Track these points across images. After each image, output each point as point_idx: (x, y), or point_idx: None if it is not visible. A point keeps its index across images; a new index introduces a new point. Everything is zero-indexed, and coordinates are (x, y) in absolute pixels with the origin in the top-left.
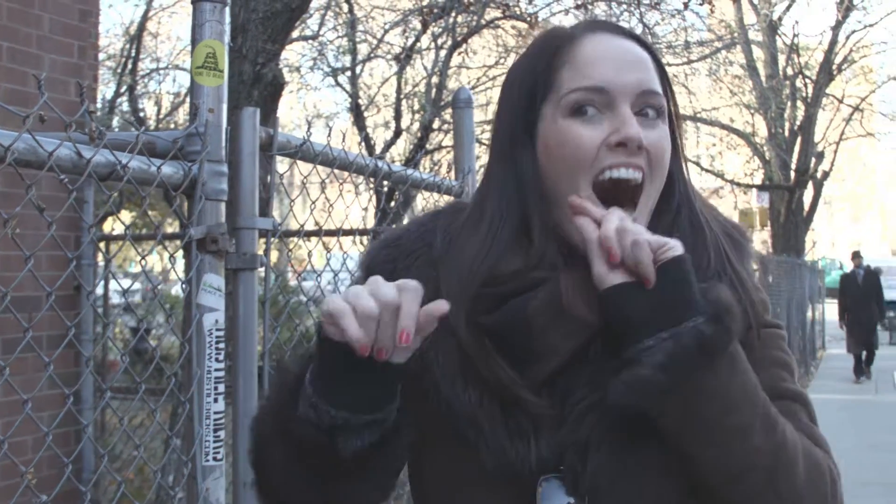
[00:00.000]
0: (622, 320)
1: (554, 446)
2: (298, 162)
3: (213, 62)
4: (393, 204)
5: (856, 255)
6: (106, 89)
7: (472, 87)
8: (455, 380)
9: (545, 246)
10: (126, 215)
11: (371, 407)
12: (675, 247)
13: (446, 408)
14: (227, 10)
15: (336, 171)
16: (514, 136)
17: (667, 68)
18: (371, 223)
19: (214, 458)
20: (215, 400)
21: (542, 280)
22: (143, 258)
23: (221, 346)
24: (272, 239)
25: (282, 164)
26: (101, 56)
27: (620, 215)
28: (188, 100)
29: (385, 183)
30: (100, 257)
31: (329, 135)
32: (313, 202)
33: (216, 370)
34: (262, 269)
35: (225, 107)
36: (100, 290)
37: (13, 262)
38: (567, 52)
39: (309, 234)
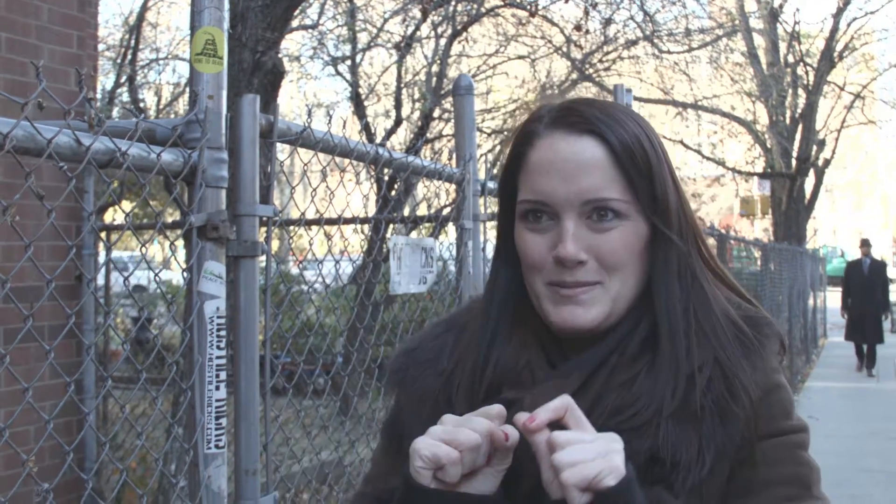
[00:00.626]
0: None
1: None
2: (299, 149)
3: (213, 49)
4: (394, 192)
5: (864, 244)
6: (106, 80)
7: (473, 76)
8: None
9: (529, 350)
10: (127, 205)
11: None
12: (612, 473)
13: None
14: None
15: (337, 159)
16: (503, 232)
17: (646, 157)
18: (372, 211)
19: (216, 446)
20: (217, 388)
21: (512, 401)
22: (143, 245)
23: (223, 333)
24: (273, 226)
25: (282, 152)
26: (101, 46)
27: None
28: (188, 89)
29: (386, 171)
30: (101, 248)
31: (329, 122)
32: (314, 189)
33: (217, 357)
34: (262, 258)
35: (225, 94)
36: (102, 280)
37: (16, 252)
38: (525, 156)
39: (310, 223)
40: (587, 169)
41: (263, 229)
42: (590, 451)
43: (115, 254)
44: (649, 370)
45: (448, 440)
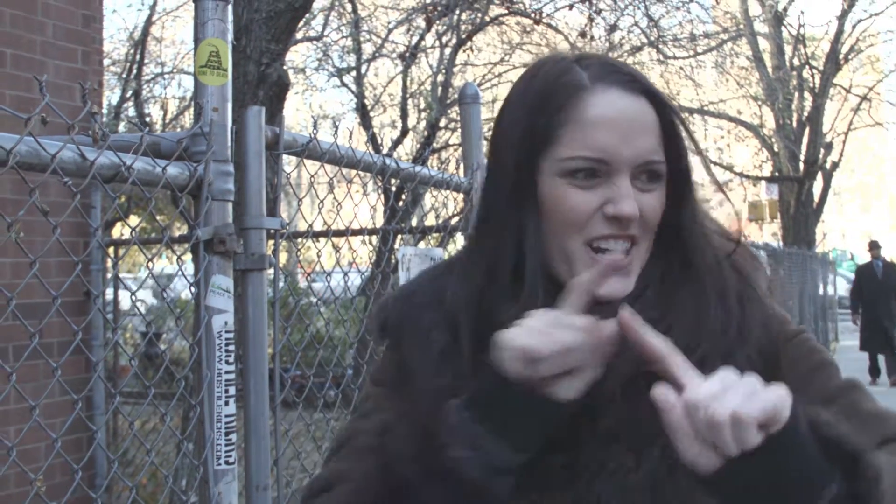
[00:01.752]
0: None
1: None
2: (305, 162)
3: (217, 61)
4: (402, 203)
5: (873, 246)
6: (111, 95)
7: (478, 84)
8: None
9: (537, 293)
10: (135, 221)
11: (530, 446)
12: (782, 410)
13: None
14: (230, 7)
15: (344, 171)
16: (518, 182)
17: (681, 118)
18: (380, 222)
19: (226, 462)
20: (226, 403)
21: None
22: (150, 260)
23: (231, 348)
24: (280, 239)
25: (288, 165)
26: (106, 62)
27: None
28: (193, 102)
29: (394, 181)
30: (109, 263)
31: (336, 133)
32: (321, 201)
33: (226, 372)
34: (270, 271)
35: (230, 106)
36: (110, 296)
37: (25, 269)
38: (573, 108)
39: (317, 235)
40: (647, 130)
41: (271, 242)
42: (744, 387)
43: (123, 275)
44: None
45: (544, 333)
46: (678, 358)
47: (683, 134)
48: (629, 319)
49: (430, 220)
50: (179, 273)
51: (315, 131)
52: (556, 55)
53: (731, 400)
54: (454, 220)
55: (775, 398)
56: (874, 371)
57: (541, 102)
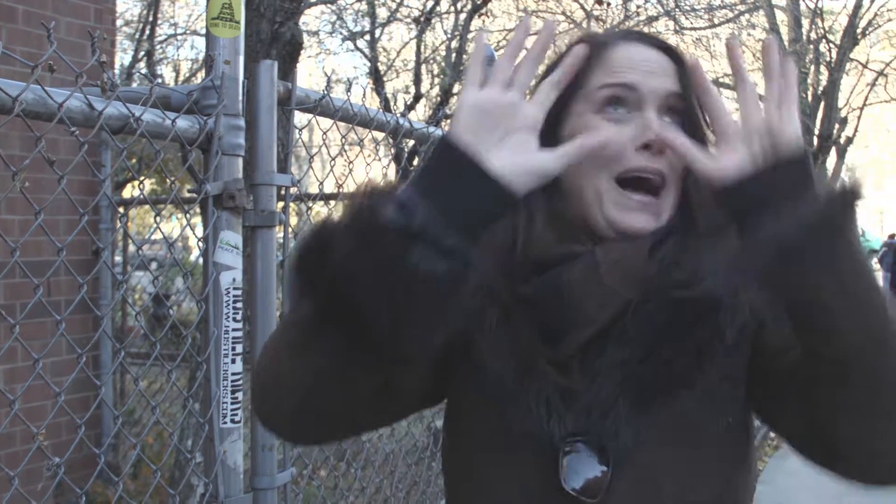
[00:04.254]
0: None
1: (580, 414)
2: (318, 121)
3: (230, 13)
4: (413, 167)
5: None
6: (124, 56)
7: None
8: (491, 345)
9: (574, 231)
10: (147, 182)
11: (466, 228)
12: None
13: (481, 371)
14: None
15: (356, 133)
16: (549, 127)
17: (696, 61)
18: None
19: (232, 421)
20: (233, 361)
21: (578, 253)
22: (157, 214)
23: (239, 305)
24: (290, 196)
25: (300, 124)
26: (119, 22)
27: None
28: (205, 55)
29: (407, 142)
30: (119, 227)
31: (349, 90)
32: (332, 158)
33: (234, 330)
34: (279, 236)
35: (242, 59)
36: (120, 258)
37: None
38: (599, 55)
39: (328, 197)
40: (668, 72)
41: (281, 203)
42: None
43: (134, 236)
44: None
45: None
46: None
47: (701, 87)
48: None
49: None
50: (189, 233)
51: (329, 87)
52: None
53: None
54: None
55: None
56: None
57: (570, 61)
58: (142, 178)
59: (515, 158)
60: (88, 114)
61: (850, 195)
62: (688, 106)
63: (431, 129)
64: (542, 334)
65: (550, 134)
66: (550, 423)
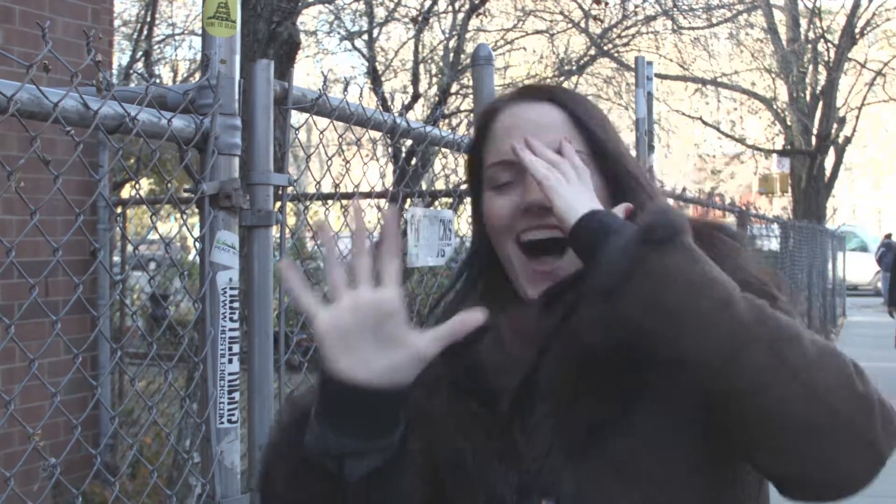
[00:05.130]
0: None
1: (524, 471)
2: (314, 119)
3: (226, 11)
4: (411, 166)
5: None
6: (122, 56)
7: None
8: (441, 418)
9: (495, 290)
10: (144, 183)
11: (375, 433)
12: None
13: (437, 445)
14: None
15: (353, 134)
16: (474, 204)
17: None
18: (389, 186)
19: (229, 421)
20: (230, 361)
21: (488, 327)
22: (154, 214)
23: (236, 305)
24: (287, 196)
25: (296, 123)
26: (117, 22)
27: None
28: (201, 54)
29: (404, 142)
30: (116, 227)
31: (346, 89)
32: (329, 158)
33: (230, 330)
34: (276, 231)
35: (238, 58)
36: (119, 259)
37: (32, 229)
38: (489, 128)
39: (326, 197)
40: (548, 127)
41: (278, 203)
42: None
43: (132, 238)
44: None
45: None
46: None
47: (592, 125)
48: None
49: (440, 185)
50: (186, 233)
51: (326, 87)
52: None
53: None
54: (464, 186)
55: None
56: None
57: (476, 129)
58: (139, 177)
59: (393, 356)
60: (84, 113)
61: (658, 231)
62: (596, 150)
63: (429, 128)
64: (480, 401)
65: (479, 219)
66: (499, 487)
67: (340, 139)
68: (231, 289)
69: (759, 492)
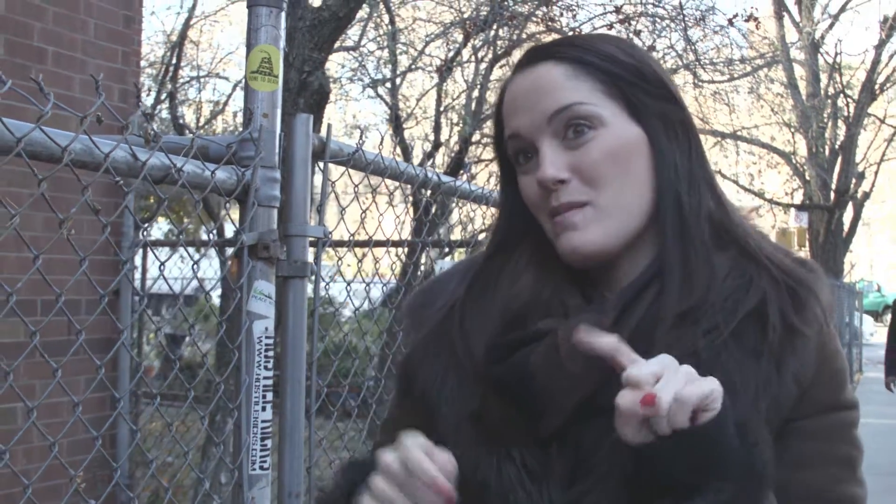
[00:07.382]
0: (653, 474)
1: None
2: (348, 171)
3: (269, 67)
4: (434, 210)
5: None
6: (146, 97)
7: None
8: (464, 429)
9: (555, 280)
10: (163, 222)
11: None
12: (716, 399)
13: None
14: (283, 15)
15: (371, 181)
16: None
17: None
18: (406, 234)
19: (261, 467)
20: (263, 408)
21: (545, 332)
22: (162, 264)
23: (270, 353)
24: (322, 248)
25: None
26: (142, 63)
27: (661, 363)
28: (227, 108)
29: (424, 192)
30: (143, 264)
31: (381, 144)
32: (364, 211)
33: (265, 378)
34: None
35: (279, 112)
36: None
37: (56, 265)
38: (503, 102)
39: (358, 245)
40: (544, 90)
41: (312, 250)
42: (681, 374)
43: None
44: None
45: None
46: (627, 350)
47: (632, 65)
48: (583, 338)
49: (456, 234)
50: (203, 274)
51: (362, 141)
52: None
53: (673, 382)
54: (482, 235)
55: (711, 386)
56: None
57: (495, 112)
58: (165, 224)
59: None
60: (132, 164)
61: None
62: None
63: (458, 182)
64: (517, 418)
65: (510, 195)
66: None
67: (374, 192)
68: (267, 338)
69: None
